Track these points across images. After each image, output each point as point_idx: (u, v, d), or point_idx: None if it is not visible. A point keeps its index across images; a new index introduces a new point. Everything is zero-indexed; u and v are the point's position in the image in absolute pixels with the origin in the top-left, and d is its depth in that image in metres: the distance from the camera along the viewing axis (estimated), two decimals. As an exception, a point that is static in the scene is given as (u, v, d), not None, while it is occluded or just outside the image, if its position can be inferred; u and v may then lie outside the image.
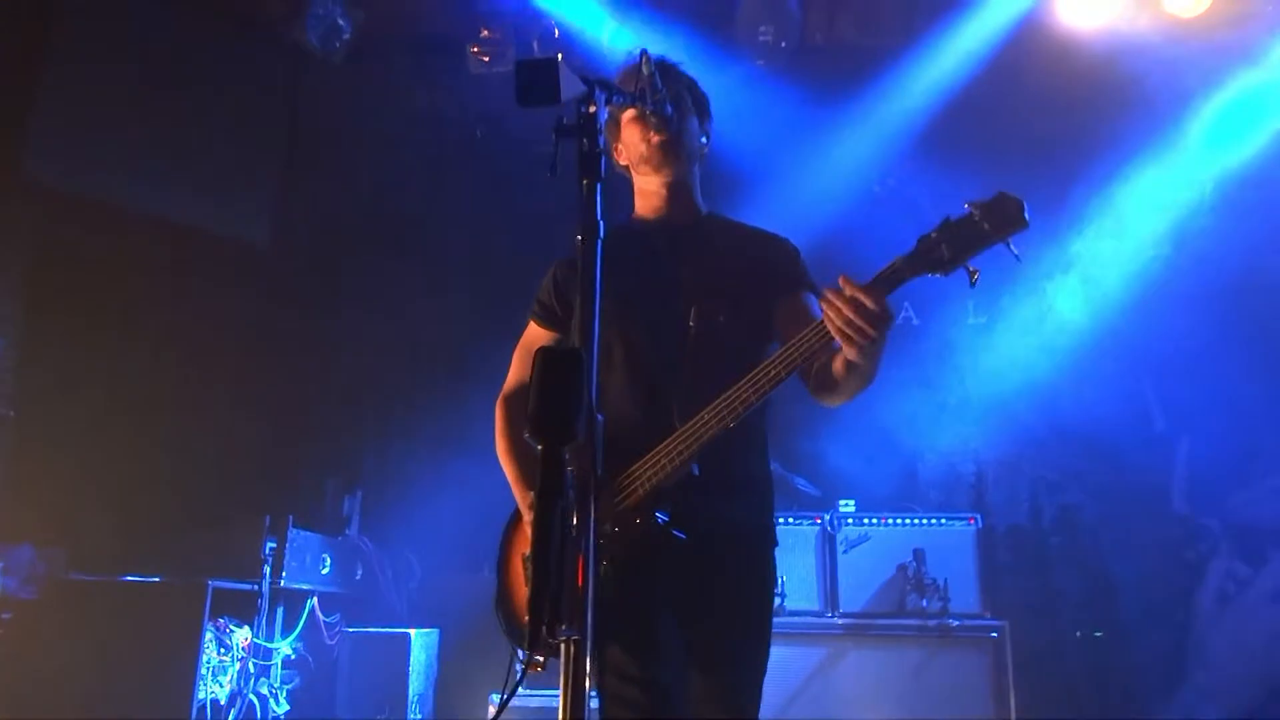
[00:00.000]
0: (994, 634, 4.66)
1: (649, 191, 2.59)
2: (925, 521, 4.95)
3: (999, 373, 5.68)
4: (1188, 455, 5.51)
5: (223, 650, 4.67)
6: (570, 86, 1.76)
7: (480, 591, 2.58)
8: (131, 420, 5.31)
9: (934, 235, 2.10)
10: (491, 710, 4.72)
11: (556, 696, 1.47)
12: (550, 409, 1.47)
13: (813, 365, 2.29)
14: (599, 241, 1.70)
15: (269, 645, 4.98)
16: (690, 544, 2.24)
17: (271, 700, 4.94)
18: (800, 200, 5.60)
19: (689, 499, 2.24)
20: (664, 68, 2.48)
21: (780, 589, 4.69)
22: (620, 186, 2.64)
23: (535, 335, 2.63)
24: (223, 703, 4.64)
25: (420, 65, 6.27)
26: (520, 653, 2.34)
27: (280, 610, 5.12)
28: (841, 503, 5.03)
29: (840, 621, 4.76)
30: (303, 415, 6.15)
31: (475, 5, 5.88)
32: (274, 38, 5.86)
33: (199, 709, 4.42)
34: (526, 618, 1.42)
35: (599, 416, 1.57)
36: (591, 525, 1.52)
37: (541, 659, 1.46)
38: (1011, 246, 2.07)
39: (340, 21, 5.81)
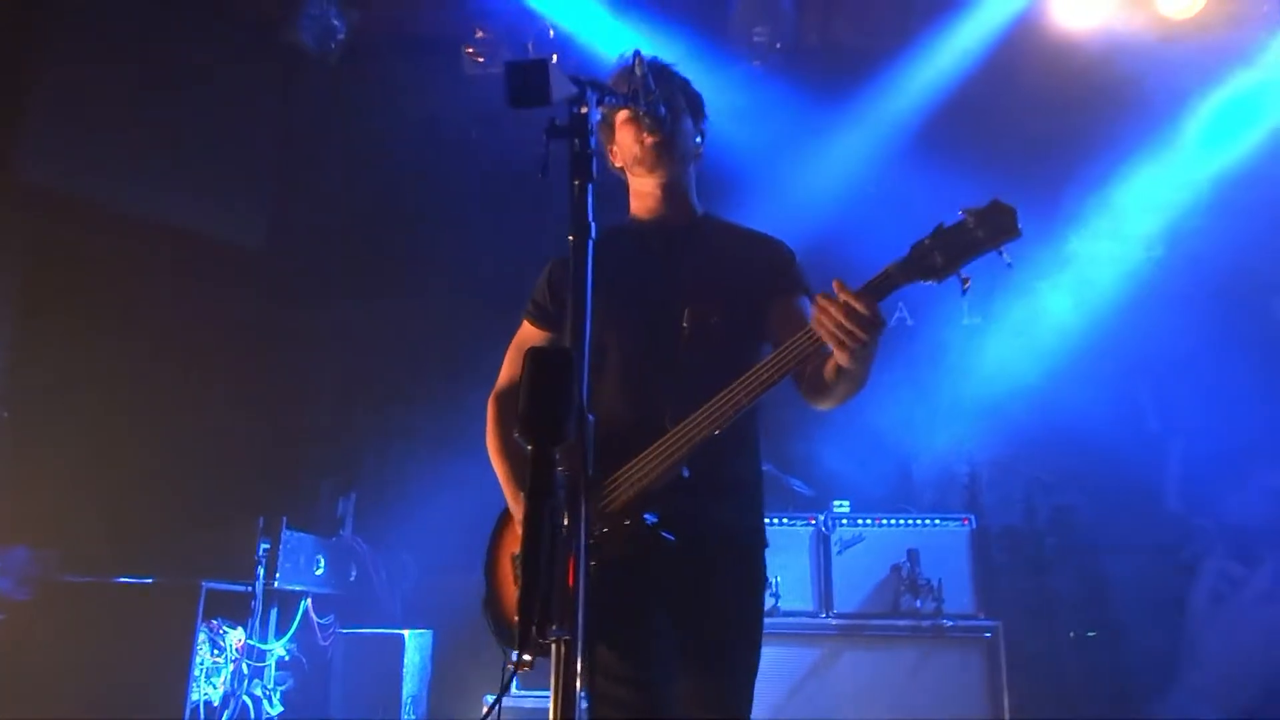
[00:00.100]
0: (988, 634, 4.66)
1: (644, 193, 2.59)
2: (920, 522, 4.95)
3: (993, 373, 5.67)
4: (1182, 455, 5.52)
5: (216, 651, 4.66)
6: (561, 88, 1.76)
7: (475, 593, 2.58)
8: (126, 421, 5.30)
9: (928, 242, 2.12)
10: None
11: (549, 697, 1.47)
12: (540, 409, 1.48)
13: (805, 369, 2.29)
14: (590, 242, 1.70)
15: (263, 646, 4.97)
16: (680, 546, 2.24)
17: (265, 702, 4.93)
18: (795, 201, 5.60)
19: (678, 501, 2.24)
20: (657, 69, 2.49)
21: (775, 590, 4.70)
22: (617, 188, 2.64)
23: (529, 334, 2.63)
24: (216, 704, 4.63)
25: (415, 66, 6.26)
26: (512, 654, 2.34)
27: (274, 611, 5.12)
28: (836, 503, 5.03)
29: (835, 622, 4.76)
30: (297, 416, 6.15)
31: (470, 6, 5.88)
32: (268, 38, 5.86)
33: (192, 710, 4.42)
34: (515, 618, 1.42)
35: (590, 417, 1.57)
36: (583, 525, 1.52)
37: (529, 658, 1.45)
38: (1004, 255, 2.09)
39: (334, 22, 5.81)
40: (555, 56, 5.66)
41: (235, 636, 4.77)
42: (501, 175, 5.98)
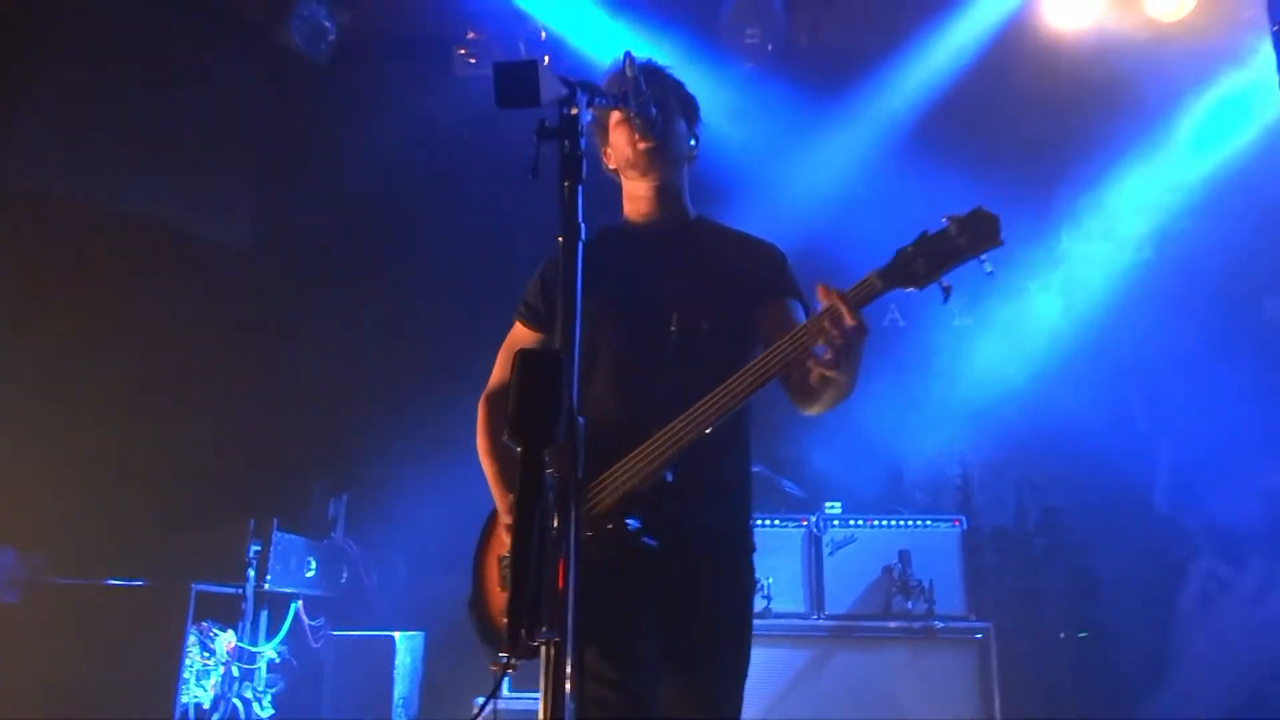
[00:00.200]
0: (979, 635, 4.67)
1: (637, 195, 2.59)
2: (911, 523, 4.96)
3: (984, 375, 5.68)
4: (1170, 457, 5.53)
5: (206, 654, 4.64)
6: (551, 89, 1.76)
7: (465, 595, 2.58)
8: (114, 423, 5.27)
9: (910, 249, 2.13)
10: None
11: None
12: (530, 411, 1.47)
13: (793, 374, 2.29)
14: (580, 244, 1.70)
15: (253, 649, 4.95)
16: (665, 549, 2.24)
17: (255, 704, 4.91)
18: (788, 202, 5.61)
19: (663, 505, 2.24)
20: (649, 70, 2.48)
21: (766, 591, 4.71)
22: (613, 190, 2.64)
23: (520, 335, 2.62)
24: (206, 707, 4.61)
25: (406, 67, 6.25)
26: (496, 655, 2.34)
27: (264, 614, 5.09)
28: (827, 504, 5.03)
29: (826, 623, 4.76)
30: (288, 418, 6.12)
31: (461, 8, 5.87)
32: (259, 40, 5.84)
33: (182, 713, 4.40)
34: (500, 619, 1.41)
35: (580, 419, 1.57)
36: (573, 527, 1.51)
37: (513, 660, 1.45)
38: (986, 264, 2.10)
39: (325, 23, 5.80)
40: (547, 58, 5.66)
41: (226, 639, 4.75)
42: (493, 176, 5.97)
